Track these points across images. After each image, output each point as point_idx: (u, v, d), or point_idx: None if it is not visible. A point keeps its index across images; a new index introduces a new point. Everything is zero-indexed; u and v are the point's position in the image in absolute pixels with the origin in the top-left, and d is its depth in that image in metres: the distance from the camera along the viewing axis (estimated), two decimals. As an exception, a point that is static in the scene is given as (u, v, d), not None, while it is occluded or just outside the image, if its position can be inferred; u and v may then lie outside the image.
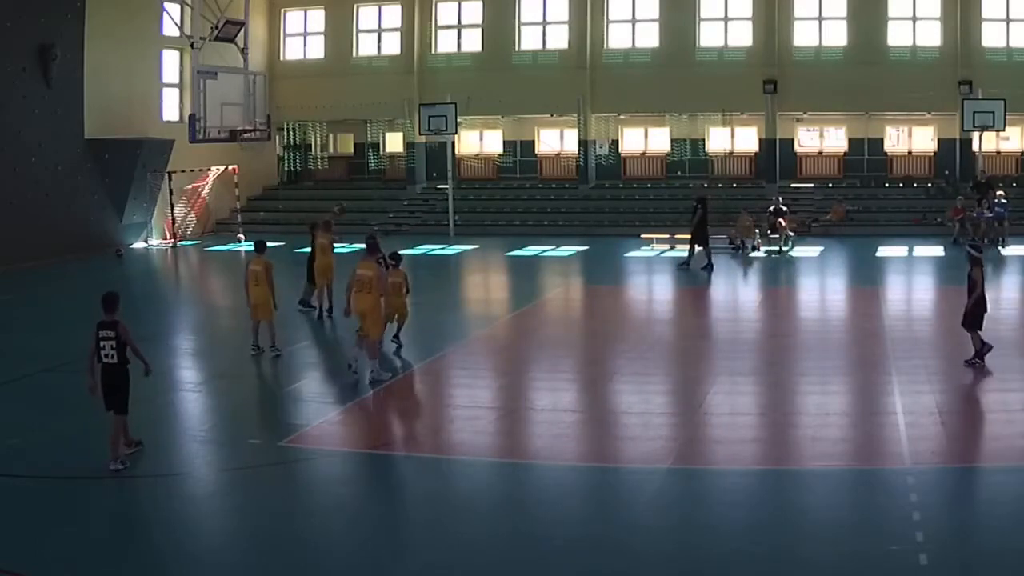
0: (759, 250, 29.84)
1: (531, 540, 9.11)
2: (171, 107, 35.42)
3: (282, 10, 39.78)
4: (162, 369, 16.52)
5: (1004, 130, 32.64)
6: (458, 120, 34.99)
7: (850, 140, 36.40)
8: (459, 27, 38.45)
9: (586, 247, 31.15)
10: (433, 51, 38.41)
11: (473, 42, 38.37)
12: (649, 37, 36.73)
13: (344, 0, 38.91)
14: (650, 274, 27.82)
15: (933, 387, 13.90)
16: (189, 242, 34.75)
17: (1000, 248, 29.04)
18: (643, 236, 31.60)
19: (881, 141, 36.31)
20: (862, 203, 34.39)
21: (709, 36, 36.21)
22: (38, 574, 8.43)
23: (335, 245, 20.71)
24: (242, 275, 17.74)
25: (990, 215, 30.13)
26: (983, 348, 14.82)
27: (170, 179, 33.72)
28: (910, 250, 29.24)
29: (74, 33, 29.84)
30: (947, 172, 34.69)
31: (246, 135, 32.42)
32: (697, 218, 26.21)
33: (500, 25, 37.59)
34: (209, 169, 35.74)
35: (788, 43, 35.41)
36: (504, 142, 39.06)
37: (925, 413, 12.46)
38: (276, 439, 12.03)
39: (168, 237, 34.59)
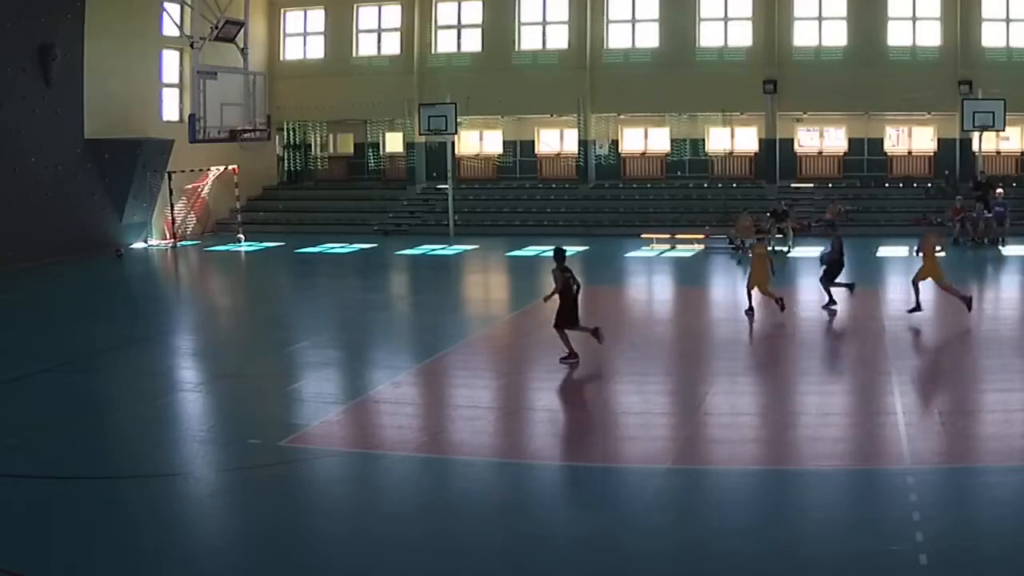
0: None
1: (531, 540, 9.11)
2: (171, 107, 35.42)
3: (282, 10, 39.78)
4: (162, 369, 16.62)
5: (1004, 130, 32.66)
6: (458, 120, 35.00)
7: (850, 140, 36.41)
8: (459, 27, 38.45)
9: (586, 247, 31.13)
10: (433, 51, 38.41)
11: (473, 42, 38.37)
12: (649, 37, 36.74)
13: (344, 0, 38.91)
14: (650, 274, 27.82)
15: (933, 387, 13.89)
16: (189, 242, 34.75)
17: (1000, 248, 29.06)
18: (643, 236, 31.61)
19: (881, 141, 36.32)
20: (862, 203, 34.38)
21: (709, 36, 36.22)
22: (38, 574, 8.43)
23: None
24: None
25: (990, 215, 30.13)
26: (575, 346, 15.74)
27: (170, 179, 33.72)
28: (910, 250, 29.17)
29: (74, 33, 29.85)
30: (947, 172, 34.69)
31: (246, 135, 32.43)
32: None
33: (500, 25, 37.60)
34: (209, 169, 35.74)
35: (788, 43, 35.42)
36: (504, 142, 39.06)
37: (925, 413, 12.45)
38: (276, 439, 12.01)
39: (168, 237, 34.59)
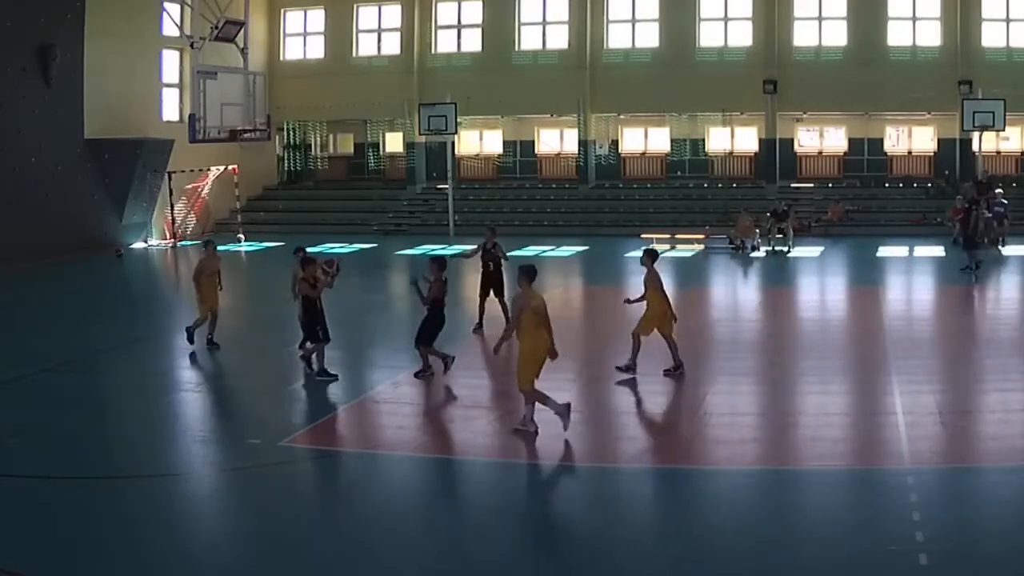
0: (759, 250, 29.86)
1: (531, 540, 9.11)
2: (171, 107, 35.46)
3: (282, 10, 39.81)
4: (162, 369, 16.61)
5: (1004, 130, 32.67)
6: (458, 120, 35.00)
7: (850, 140, 36.44)
8: (459, 27, 38.48)
9: (586, 247, 31.15)
10: (433, 51, 38.43)
11: (473, 42, 38.39)
12: (649, 37, 36.76)
13: (344, 0, 38.93)
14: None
15: (933, 387, 13.88)
16: (189, 242, 34.73)
17: (1000, 248, 29.05)
18: (643, 236, 31.58)
19: (881, 141, 36.35)
20: (862, 203, 34.40)
21: (709, 36, 36.24)
22: (38, 574, 8.43)
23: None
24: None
25: (990, 215, 30.10)
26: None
27: (170, 179, 33.74)
28: (910, 250, 29.25)
29: (74, 33, 29.86)
30: (947, 172, 34.71)
31: (246, 135, 32.44)
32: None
33: (500, 25, 37.61)
34: (209, 169, 35.75)
35: (788, 43, 35.44)
36: (504, 142, 39.09)
37: (925, 413, 12.44)
38: (276, 439, 12.01)
39: (168, 237, 34.59)
